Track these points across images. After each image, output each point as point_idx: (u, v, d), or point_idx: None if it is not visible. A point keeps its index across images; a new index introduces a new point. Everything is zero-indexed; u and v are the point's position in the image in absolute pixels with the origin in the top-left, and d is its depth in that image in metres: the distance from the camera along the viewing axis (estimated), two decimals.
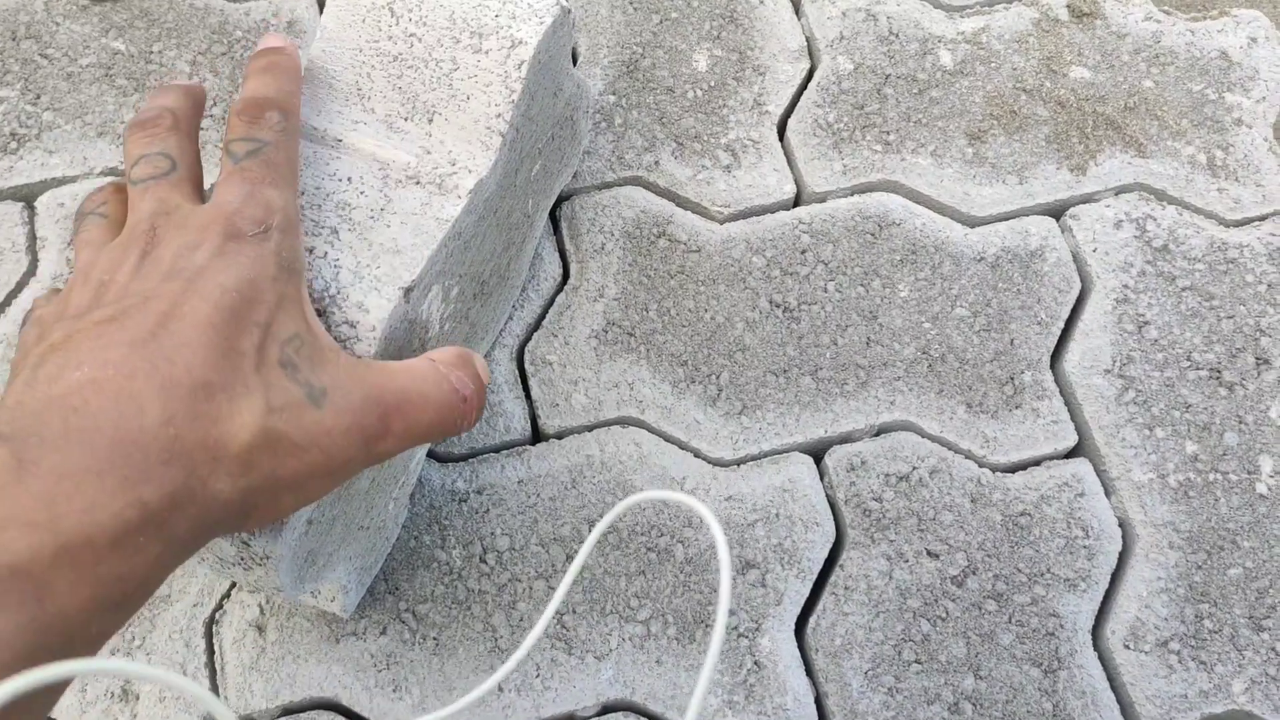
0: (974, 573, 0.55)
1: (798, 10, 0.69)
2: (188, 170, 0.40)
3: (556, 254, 0.61)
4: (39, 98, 0.63)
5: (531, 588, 0.53)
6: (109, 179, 0.61)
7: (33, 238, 0.60)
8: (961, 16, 0.69)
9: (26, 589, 0.27)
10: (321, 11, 0.67)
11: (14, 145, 0.62)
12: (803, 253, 0.61)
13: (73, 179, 0.61)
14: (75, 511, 0.28)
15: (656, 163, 0.63)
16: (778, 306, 0.60)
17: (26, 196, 0.61)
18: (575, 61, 0.66)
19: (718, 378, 0.58)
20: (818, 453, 0.58)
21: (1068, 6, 0.69)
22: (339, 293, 0.41)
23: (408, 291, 0.42)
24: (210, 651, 0.52)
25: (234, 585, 0.53)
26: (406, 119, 0.46)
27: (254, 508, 0.33)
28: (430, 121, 0.46)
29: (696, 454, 0.57)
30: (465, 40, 0.46)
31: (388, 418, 0.37)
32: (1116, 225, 0.63)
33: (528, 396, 0.58)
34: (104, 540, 0.29)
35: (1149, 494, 0.57)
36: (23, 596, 0.27)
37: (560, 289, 0.61)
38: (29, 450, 0.29)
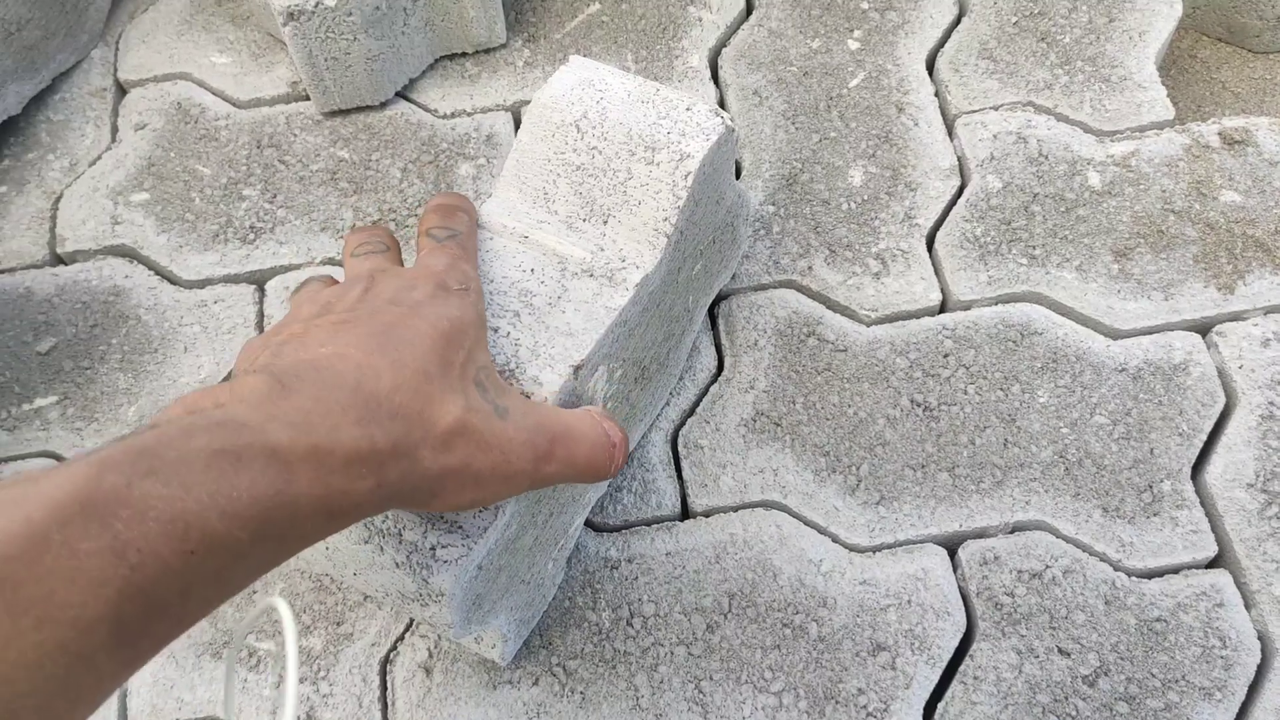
0: (1106, 673, 0.57)
1: (951, 132, 0.74)
2: (395, 255, 0.51)
3: (713, 348, 0.67)
4: (275, 196, 0.73)
5: (673, 652, 0.58)
6: (327, 267, 0.70)
7: (261, 315, 0.69)
8: (1112, 141, 0.72)
9: (281, 469, 0.33)
10: (517, 128, 0.75)
11: (252, 236, 0.72)
12: (945, 356, 0.65)
13: (297, 266, 0.71)
14: (324, 426, 0.35)
15: (810, 268, 0.68)
16: (918, 405, 0.64)
17: (258, 280, 0.71)
18: (739, 174, 0.73)
19: (858, 469, 0.62)
20: (952, 546, 0.60)
21: (1219, 134, 0.72)
22: (518, 367, 0.48)
23: (577, 369, 0.48)
24: (383, 687, 0.58)
25: (407, 629, 0.59)
26: (585, 220, 0.53)
27: (443, 489, 0.40)
28: (605, 223, 0.53)
29: (834, 539, 0.60)
30: (640, 153, 0.53)
31: (554, 443, 0.43)
32: (1264, 344, 0.64)
33: (679, 477, 0.63)
34: (340, 456, 0.35)
35: None
36: (276, 473, 0.33)
37: (714, 380, 0.66)
38: (289, 380, 0.37)
